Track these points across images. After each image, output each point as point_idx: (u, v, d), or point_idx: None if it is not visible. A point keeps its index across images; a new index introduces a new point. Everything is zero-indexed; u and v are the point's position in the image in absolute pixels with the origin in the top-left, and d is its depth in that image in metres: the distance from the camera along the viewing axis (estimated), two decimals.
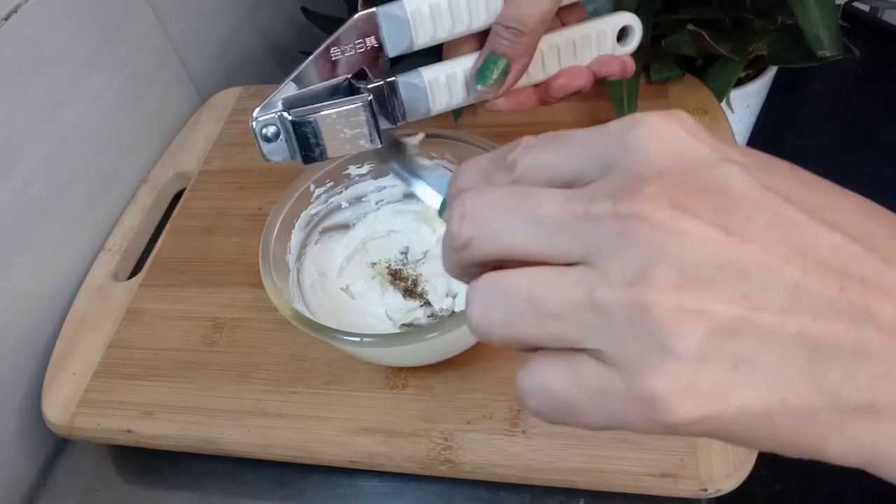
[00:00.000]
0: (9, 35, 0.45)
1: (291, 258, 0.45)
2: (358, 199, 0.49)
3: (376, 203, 0.49)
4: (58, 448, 0.48)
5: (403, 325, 0.44)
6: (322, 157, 0.37)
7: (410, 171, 0.35)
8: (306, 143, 0.36)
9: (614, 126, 0.19)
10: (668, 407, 0.17)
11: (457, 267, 0.21)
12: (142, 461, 0.45)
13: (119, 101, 0.56)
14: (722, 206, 0.17)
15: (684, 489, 0.36)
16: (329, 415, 0.41)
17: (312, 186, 0.46)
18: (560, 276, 0.18)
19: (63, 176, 0.51)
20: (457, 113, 0.55)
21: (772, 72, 0.60)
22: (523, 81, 0.38)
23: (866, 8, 0.79)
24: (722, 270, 0.17)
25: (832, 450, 0.17)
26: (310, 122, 0.35)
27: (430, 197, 0.32)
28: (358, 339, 0.37)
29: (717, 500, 0.38)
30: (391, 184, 0.49)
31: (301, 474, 0.43)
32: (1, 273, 0.46)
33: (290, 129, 0.35)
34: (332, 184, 0.47)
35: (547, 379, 0.19)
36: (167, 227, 0.55)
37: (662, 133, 0.18)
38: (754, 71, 0.61)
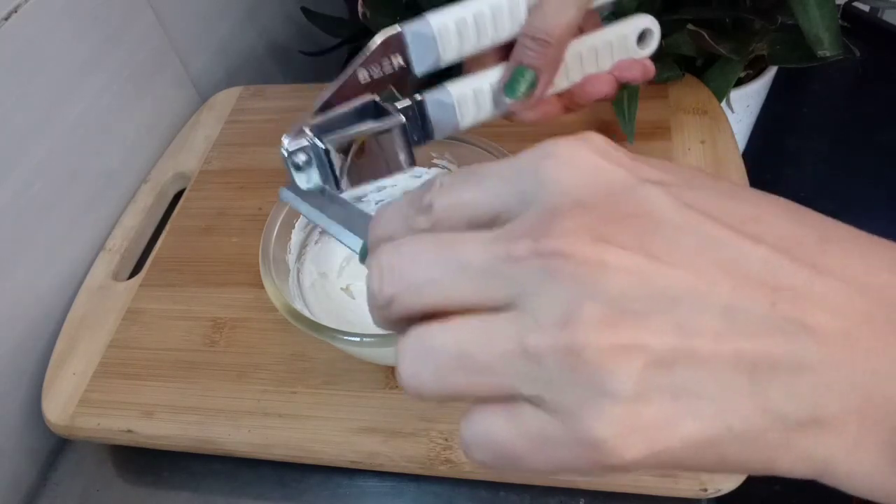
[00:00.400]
0: (9, 35, 0.45)
1: (291, 258, 0.45)
2: (358, 200, 0.49)
3: (376, 203, 0.49)
4: (58, 448, 0.48)
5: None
6: (354, 185, 0.35)
7: (327, 210, 0.33)
8: (339, 170, 0.35)
9: (527, 158, 0.19)
10: (611, 450, 0.16)
11: (384, 323, 0.20)
12: (142, 461, 0.45)
13: (119, 101, 0.56)
14: (643, 231, 0.17)
15: (684, 489, 0.36)
16: (329, 415, 0.41)
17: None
18: (488, 325, 0.17)
19: (63, 176, 0.51)
20: None
21: (772, 72, 0.60)
22: (548, 91, 0.38)
23: (866, 8, 0.79)
24: (651, 300, 0.16)
25: (782, 467, 0.17)
26: (344, 149, 0.34)
27: (350, 241, 0.30)
28: (358, 339, 0.37)
29: (716, 499, 0.38)
30: (391, 184, 0.49)
31: (301, 474, 0.43)
32: (1, 273, 0.46)
33: (323, 157, 0.34)
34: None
35: (489, 429, 0.18)
36: (167, 227, 0.55)
37: (575, 161, 0.18)
38: (754, 71, 0.61)
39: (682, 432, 0.16)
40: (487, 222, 0.19)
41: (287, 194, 0.33)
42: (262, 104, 0.64)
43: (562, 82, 0.38)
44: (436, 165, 0.48)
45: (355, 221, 0.28)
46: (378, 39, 0.34)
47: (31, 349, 0.49)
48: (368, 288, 0.20)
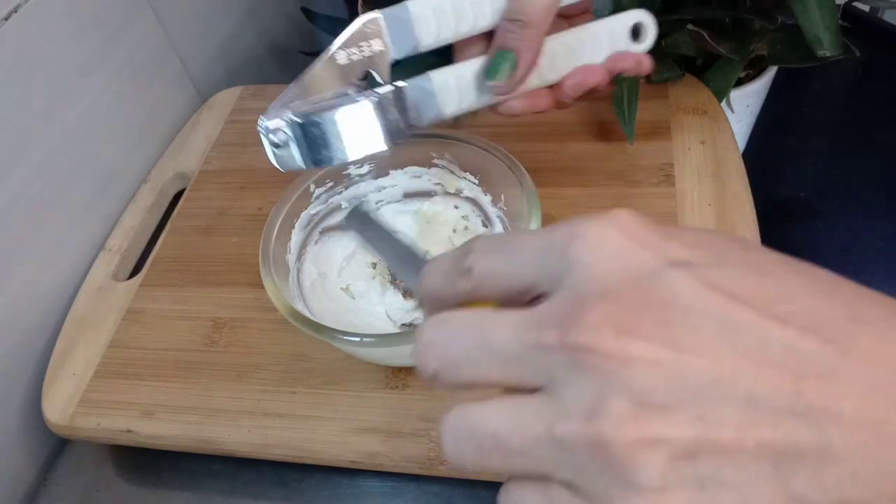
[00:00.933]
0: (9, 35, 0.45)
1: (291, 258, 0.45)
2: (358, 200, 0.49)
3: (376, 203, 0.49)
4: (58, 448, 0.48)
5: (403, 325, 0.44)
6: (331, 160, 0.36)
7: (382, 244, 0.33)
8: (315, 145, 0.35)
9: (559, 235, 0.19)
10: None
11: (436, 388, 0.21)
12: (142, 461, 0.45)
13: (119, 101, 0.56)
14: (667, 321, 0.17)
15: None
16: (329, 415, 0.41)
17: (312, 186, 0.46)
18: (520, 408, 0.18)
19: (63, 176, 0.51)
20: None
21: (772, 72, 0.60)
22: (536, 83, 0.38)
23: (866, 8, 0.79)
24: (674, 392, 0.17)
25: None
26: (318, 123, 0.35)
27: (410, 282, 0.31)
28: (358, 339, 0.37)
29: None
30: (391, 184, 0.49)
31: (301, 474, 0.43)
32: (1, 273, 0.46)
33: (300, 133, 0.35)
34: (331, 184, 0.47)
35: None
36: (167, 227, 0.55)
37: (604, 244, 0.18)
38: (754, 71, 0.61)
39: None
40: (523, 291, 0.20)
41: (352, 221, 0.34)
42: (262, 104, 0.64)
43: (551, 74, 0.38)
44: (436, 165, 0.48)
45: (410, 262, 0.30)
46: (357, 22, 0.35)
47: (31, 349, 0.49)
48: (415, 360, 0.21)
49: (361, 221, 0.33)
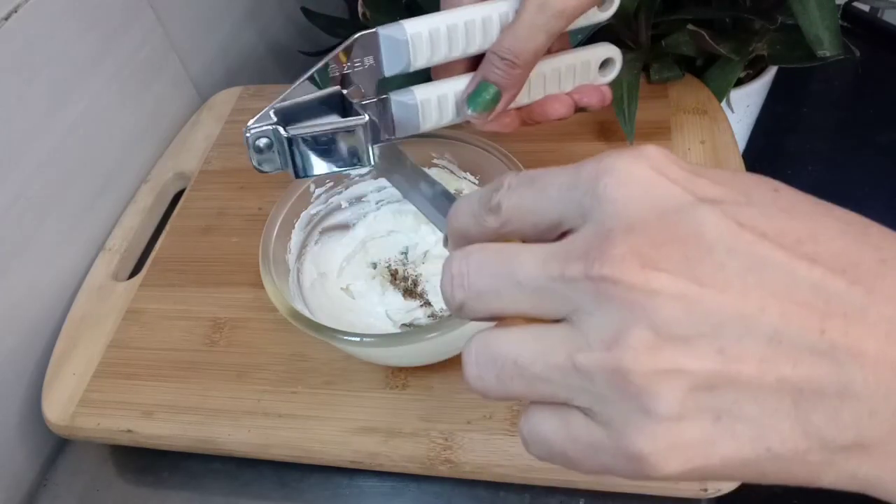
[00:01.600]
0: (9, 35, 0.45)
1: (291, 258, 0.45)
2: (358, 199, 0.49)
3: (376, 203, 0.49)
4: (58, 448, 0.48)
5: (403, 325, 0.44)
6: (312, 172, 0.37)
7: (413, 187, 0.35)
8: (299, 157, 0.36)
9: (587, 171, 0.19)
10: (653, 464, 0.17)
11: (462, 318, 0.22)
12: (142, 461, 0.45)
13: (119, 101, 0.56)
14: (693, 256, 0.17)
15: (684, 489, 0.36)
16: (329, 415, 0.41)
17: (312, 186, 0.46)
18: (543, 337, 0.19)
19: (63, 176, 0.51)
20: None
21: (772, 72, 0.60)
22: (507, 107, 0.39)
23: (866, 8, 0.79)
24: (696, 325, 0.17)
25: (825, 482, 0.17)
26: (306, 140, 0.36)
27: (440, 225, 0.31)
28: (358, 339, 0.37)
29: (716, 499, 0.38)
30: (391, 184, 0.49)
31: (301, 474, 0.43)
32: (1, 273, 0.46)
33: (285, 144, 0.36)
34: (331, 184, 0.47)
35: (543, 430, 0.20)
36: (167, 227, 0.55)
37: (632, 179, 0.18)
38: (754, 71, 0.61)
39: (721, 452, 0.17)
40: (550, 227, 0.20)
41: (382, 161, 0.34)
42: (262, 104, 0.63)
43: (522, 98, 0.40)
44: (436, 165, 0.48)
45: (440, 203, 0.29)
46: (352, 38, 0.35)
47: (31, 349, 0.49)
48: (442, 290, 0.21)
49: (391, 163, 0.34)
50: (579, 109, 0.41)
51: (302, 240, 0.46)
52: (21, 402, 0.48)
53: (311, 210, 0.46)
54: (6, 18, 0.45)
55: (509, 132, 0.41)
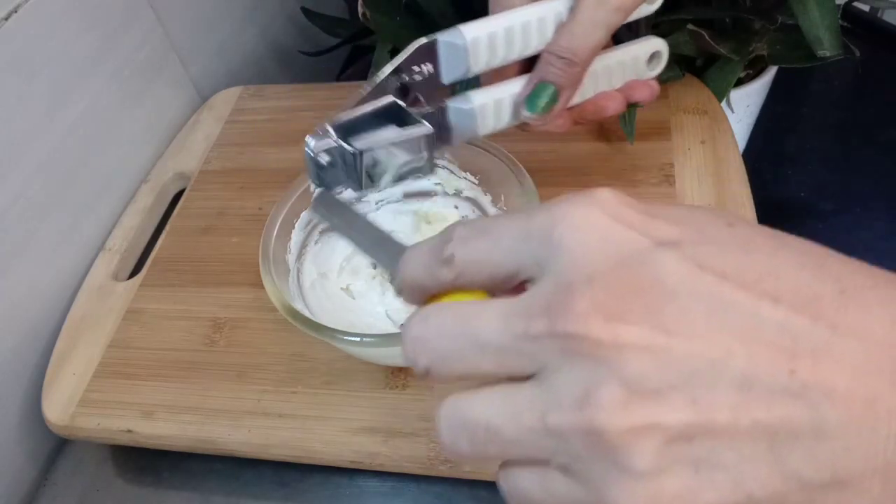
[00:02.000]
0: (9, 35, 0.45)
1: (291, 258, 0.45)
2: (358, 199, 0.49)
3: (376, 203, 0.49)
4: (58, 448, 0.48)
5: (403, 325, 0.44)
6: (375, 186, 0.36)
7: (354, 229, 0.32)
8: (363, 172, 0.35)
9: (540, 220, 0.19)
10: None
11: (429, 382, 0.22)
12: (142, 461, 0.45)
13: (119, 101, 0.57)
14: (656, 304, 0.17)
15: None
16: (329, 415, 0.41)
17: (312, 186, 0.46)
18: (512, 398, 0.18)
19: (63, 176, 0.51)
20: None
21: (772, 72, 0.60)
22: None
23: (866, 8, 0.79)
24: (666, 377, 0.16)
25: None
26: (370, 153, 0.35)
27: (386, 268, 0.30)
28: (358, 339, 0.37)
29: None
30: None
31: (301, 474, 0.43)
32: (1, 273, 0.46)
33: (349, 159, 0.34)
34: None
35: (523, 487, 0.19)
36: (167, 227, 0.55)
37: (587, 226, 0.18)
38: (754, 71, 0.61)
39: (703, 502, 0.17)
40: (506, 278, 0.20)
41: (319, 207, 0.33)
42: (262, 104, 0.64)
43: (575, 98, 0.39)
44: (436, 165, 0.48)
45: (385, 247, 0.28)
46: (412, 47, 0.35)
47: (31, 349, 0.49)
48: (405, 355, 0.21)
49: (328, 207, 0.32)
50: (630, 105, 0.41)
51: (302, 240, 0.46)
52: (21, 402, 0.48)
53: None
54: (6, 18, 0.45)
55: (563, 132, 0.40)
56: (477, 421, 0.19)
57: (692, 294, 0.17)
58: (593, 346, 0.17)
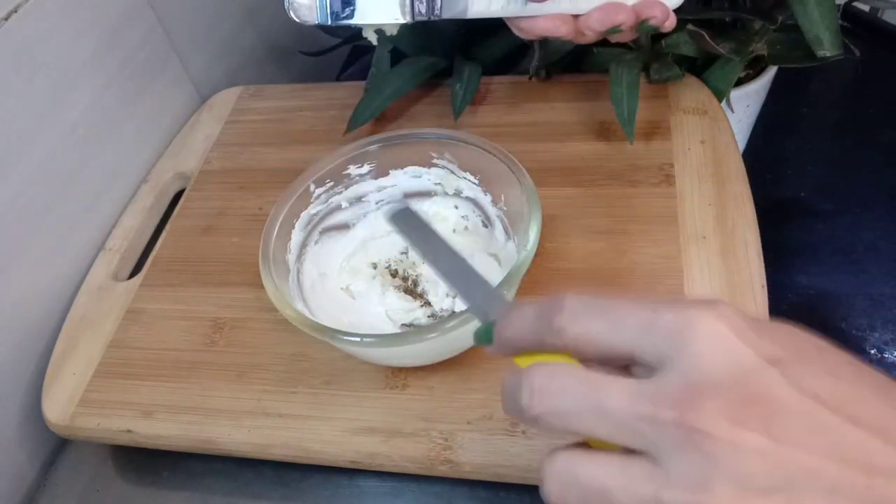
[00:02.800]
0: (9, 35, 0.45)
1: (291, 258, 0.45)
2: (358, 199, 0.49)
3: (376, 203, 0.49)
4: (58, 448, 0.48)
5: (403, 325, 0.44)
6: (350, 16, 0.35)
7: (437, 252, 0.30)
8: (337, 3, 0.34)
9: (669, 319, 0.22)
10: None
11: (522, 421, 0.24)
12: (142, 461, 0.45)
13: (119, 101, 0.56)
14: (769, 416, 0.20)
15: None
16: (329, 415, 0.41)
17: (312, 186, 0.46)
18: (628, 470, 0.21)
19: (63, 176, 0.51)
20: (456, 112, 0.55)
21: (772, 72, 0.60)
22: (567, 5, 0.37)
23: (866, 8, 0.78)
24: (771, 479, 0.19)
25: None
26: None
27: (472, 309, 0.29)
28: (358, 339, 0.37)
29: None
30: (391, 184, 0.49)
31: (301, 474, 0.43)
32: (1, 273, 0.46)
33: None
34: (332, 184, 0.47)
35: None
36: (167, 227, 0.55)
37: (715, 338, 0.21)
38: (754, 71, 0.61)
39: None
40: (617, 358, 0.23)
41: (397, 221, 0.32)
42: (262, 104, 0.64)
43: (581, 4, 0.37)
44: (436, 165, 0.48)
45: (470, 281, 0.29)
46: None
47: (31, 349, 0.49)
48: (515, 400, 0.23)
49: (406, 223, 0.32)
50: (641, 23, 0.38)
51: (302, 240, 0.46)
52: (21, 402, 0.48)
53: (311, 210, 0.46)
54: (6, 18, 0.45)
55: (561, 36, 0.38)
56: (591, 483, 0.21)
57: (796, 412, 0.20)
58: (715, 443, 0.19)
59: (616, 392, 0.21)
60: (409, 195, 0.49)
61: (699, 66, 0.58)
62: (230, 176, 0.58)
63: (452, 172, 0.48)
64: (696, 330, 0.21)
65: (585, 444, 0.24)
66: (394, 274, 0.47)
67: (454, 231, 0.48)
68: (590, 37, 0.39)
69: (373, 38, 0.41)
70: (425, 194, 0.49)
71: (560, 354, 0.24)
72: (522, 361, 0.25)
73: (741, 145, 0.66)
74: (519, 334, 0.24)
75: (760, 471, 0.19)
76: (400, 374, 0.42)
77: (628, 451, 0.21)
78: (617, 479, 0.21)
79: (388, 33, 0.40)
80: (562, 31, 0.38)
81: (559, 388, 0.22)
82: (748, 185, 0.48)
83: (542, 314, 0.24)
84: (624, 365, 0.23)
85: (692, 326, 0.21)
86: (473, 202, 0.48)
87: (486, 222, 0.48)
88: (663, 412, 0.20)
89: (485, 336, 0.27)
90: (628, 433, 0.21)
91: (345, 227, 0.49)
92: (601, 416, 0.21)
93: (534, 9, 0.38)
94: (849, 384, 0.21)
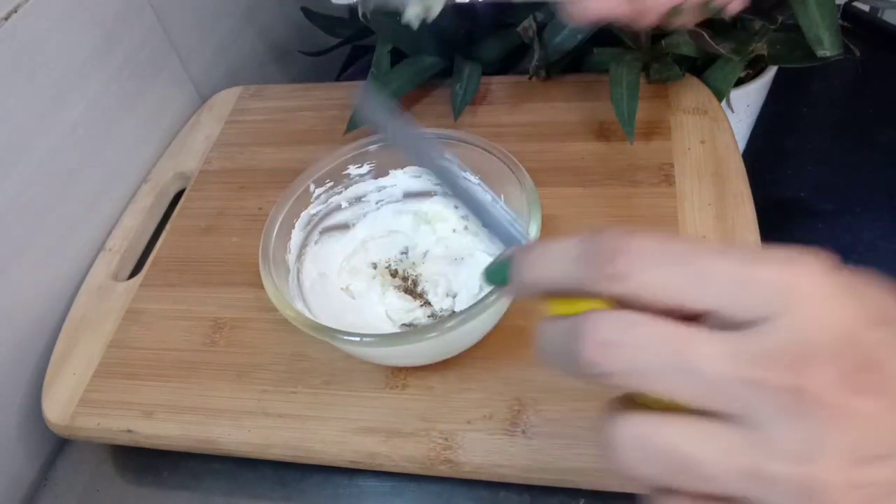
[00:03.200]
0: (9, 35, 0.45)
1: (291, 258, 0.45)
2: (358, 199, 0.49)
3: (376, 203, 0.49)
4: (58, 448, 0.48)
5: (403, 325, 0.44)
6: None
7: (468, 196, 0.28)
8: None
9: (769, 277, 0.19)
10: None
11: (575, 376, 0.20)
12: (142, 461, 0.45)
13: (119, 101, 0.56)
14: (881, 380, 0.18)
15: None
16: (329, 415, 0.41)
17: (312, 186, 0.46)
18: (716, 437, 0.18)
19: (63, 176, 0.51)
20: (456, 112, 0.55)
21: (772, 72, 0.60)
22: None
23: (866, 8, 0.79)
24: (884, 444, 0.18)
25: None
26: None
27: (498, 239, 0.26)
28: (358, 339, 0.37)
29: None
30: (391, 184, 0.49)
31: (301, 474, 0.43)
32: (1, 273, 0.46)
33: None
34: (331, 184, 0.47)
35: None
36: (167, 227, 0.55)
37: (824, 298, 0.19)
38: (754, 71, 0.61)
39: None
40: (692, 311, 0.19)
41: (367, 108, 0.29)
42: (262, 104, 0.64)
43: None
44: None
45: (497, 217, 0.25)
46: None
47: (31, 349, 0.49)
48: (569, 350, 0.19)
49: (444, 177, 0.29)
50: (707, 3, 0.36)
51: (302, 240, 0.46)
52: (21, 402, 0.48)
53: (311, 210, 0.46)
54: (6, 18, 0.45)
55: (617, 19, 0.35)
56: (674, 449, 0.19)
57: None
58: (828, 409, 0.18)
59: (711, 350, 0.18)
60: (409, 195, 0.49)
61: (699, 66, 0.58)
62: (230, 176, 0.58)
63: None
64: (803, 289, 0.18)
65: (629, 399, 0.20)
66: (394, 274, 0.47)
67: (454, 231, 0.48)
68: (651, 18, 0.36)
69: (414, 22, 0.39)
70: (425, 194, 0.49)
71: (594, 301, 0.20)
72: (563, 308, 0.21)
73: (741, 145, 0.66)
74: (550, 275, 0.20)
75: (872, 436, 0.18)
76: (400, 374, 0.42)
77: (703, 415, 0.19)
78: (707, 447, 0.18)
79: (430, 19, 0.38)
80: (619, 10, 0.35)
81: (642, 343, 0.19)
82: (748, 185, 0.48)
83: (590, 255, 0.20)
84: (685, 316, 0.19)
85: (798, 286, 0.19)
86: None
87: None
88: (772, 375, 0.18)
89: (498, 275, 0.22)
90: (724, 396, 0.18)
91: (345, 227, 0.49)
92: (689, 377, 0.18)
93: None
94: None
